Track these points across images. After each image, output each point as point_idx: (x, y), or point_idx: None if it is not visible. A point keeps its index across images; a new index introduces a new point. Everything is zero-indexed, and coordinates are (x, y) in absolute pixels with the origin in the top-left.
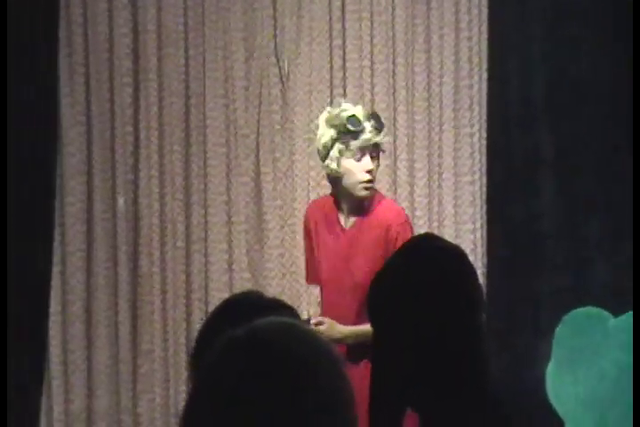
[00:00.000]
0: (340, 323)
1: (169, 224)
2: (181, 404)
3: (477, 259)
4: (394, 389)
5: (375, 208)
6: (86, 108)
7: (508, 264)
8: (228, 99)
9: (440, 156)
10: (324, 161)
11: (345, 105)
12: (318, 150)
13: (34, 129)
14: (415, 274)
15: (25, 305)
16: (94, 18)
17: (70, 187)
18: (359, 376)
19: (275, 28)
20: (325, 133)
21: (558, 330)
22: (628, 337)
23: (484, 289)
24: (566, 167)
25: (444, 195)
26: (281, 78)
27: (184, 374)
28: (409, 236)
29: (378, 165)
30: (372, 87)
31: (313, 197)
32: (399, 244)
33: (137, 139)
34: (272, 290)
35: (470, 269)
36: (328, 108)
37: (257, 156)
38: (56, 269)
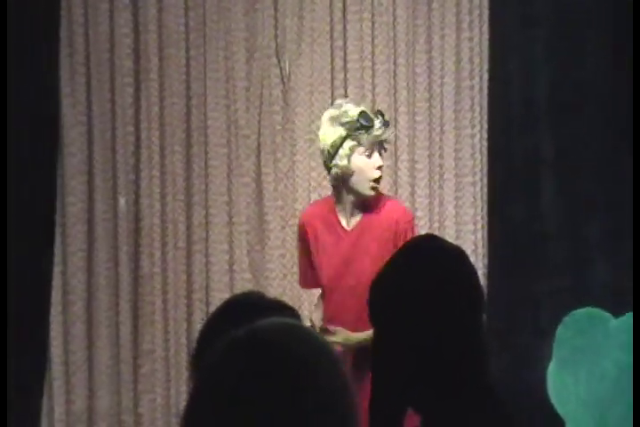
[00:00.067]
0: (345, 325)
1: (170, 224)
2: (182, 404)
3: (478, 259)
4: (394, 389)
5: (381, 208)
6: (87, 108)
7: (508, 265)
8: (230, 99)
9: (441, 156)
10: (331, 161)
11: (347, 105)
12: (323, 151)
13: (35, 129)
14: (416, 274)
15: (26, 305)
16: (95, 18)
17: (71, 187)
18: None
19: (276, 29)
20: (332, 132)
21: (559, 331)
22: (628, 338)
23: (485, 290)
24: (566, 167)
25: (445, 195)
26: (282, 79)
27: (185, 374)
28: (415, 233)
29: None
30: (374, 88)
31: (314, 197)
32: (408, 238)
33: (138, 139)
34: (273, 291)
35: (471, 270)
36: (330, 109)
37: (258, 156)
38: (57, 270)
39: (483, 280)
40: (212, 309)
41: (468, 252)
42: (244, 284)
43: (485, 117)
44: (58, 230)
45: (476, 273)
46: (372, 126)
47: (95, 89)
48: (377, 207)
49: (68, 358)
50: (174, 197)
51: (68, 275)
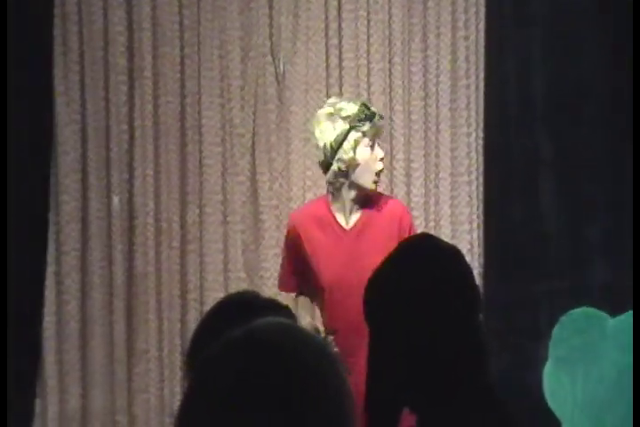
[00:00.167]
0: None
1: (164, 223)
2: (176, 404)
3: (474, 259)
4: (389, 388)
5: (382, 205)
6: (81, 106)
7: (504, 264)
8: (224, 98)
9: (437, 155)
10: (333, 157)
11: (341, 103)
12: (324, 147)
13: (28, 127)
14: (411, 274)
15: (19, 304)
16: (89, 16)
17: (65, 185)
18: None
19: (271, 27)
20: (333, 127)
21: (555, 331)
22: (626, 338)
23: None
24: (565, 167)
25: (441, 195)
26: (277, 77)
27: (179, 373)
28: (414, 232)
29: None
30: (369, 86)
31: (309, 196)
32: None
33: (132, 137)
34: (268, 290)
35: (467, 270)
36: (324, 107)
37: (253, 155)
38: (50, 269)
39: (479, 280)
40: (207, 308)
41: (464, 251)
42: (238, 283)
43: (481, 116)
44: (51, 229)
45: (471, 273)
46: (375, 116)
47: (89, 87)
48: (377, 204)
49: (61, 357)
50: (168, 196)
51: (62, 274)
